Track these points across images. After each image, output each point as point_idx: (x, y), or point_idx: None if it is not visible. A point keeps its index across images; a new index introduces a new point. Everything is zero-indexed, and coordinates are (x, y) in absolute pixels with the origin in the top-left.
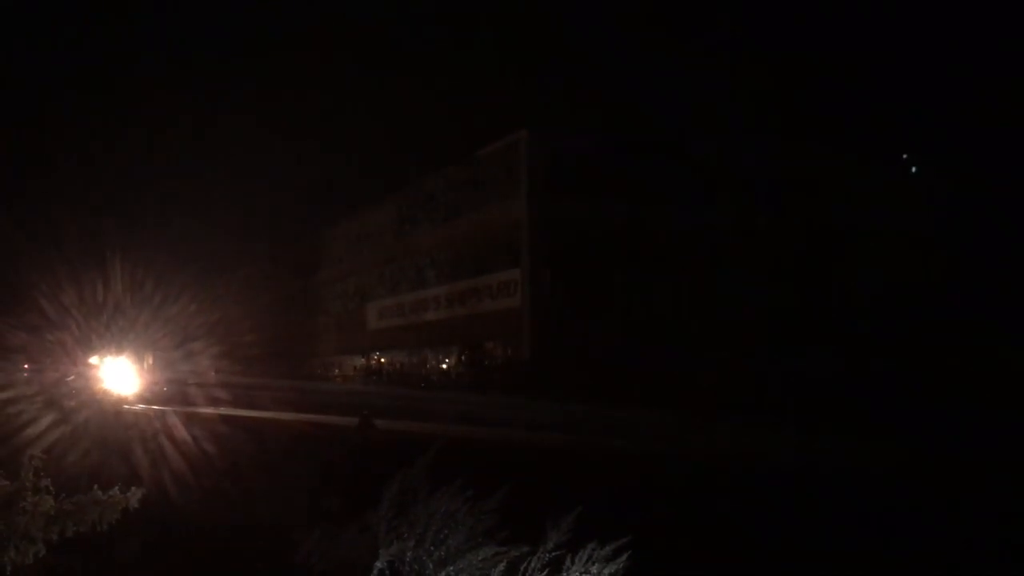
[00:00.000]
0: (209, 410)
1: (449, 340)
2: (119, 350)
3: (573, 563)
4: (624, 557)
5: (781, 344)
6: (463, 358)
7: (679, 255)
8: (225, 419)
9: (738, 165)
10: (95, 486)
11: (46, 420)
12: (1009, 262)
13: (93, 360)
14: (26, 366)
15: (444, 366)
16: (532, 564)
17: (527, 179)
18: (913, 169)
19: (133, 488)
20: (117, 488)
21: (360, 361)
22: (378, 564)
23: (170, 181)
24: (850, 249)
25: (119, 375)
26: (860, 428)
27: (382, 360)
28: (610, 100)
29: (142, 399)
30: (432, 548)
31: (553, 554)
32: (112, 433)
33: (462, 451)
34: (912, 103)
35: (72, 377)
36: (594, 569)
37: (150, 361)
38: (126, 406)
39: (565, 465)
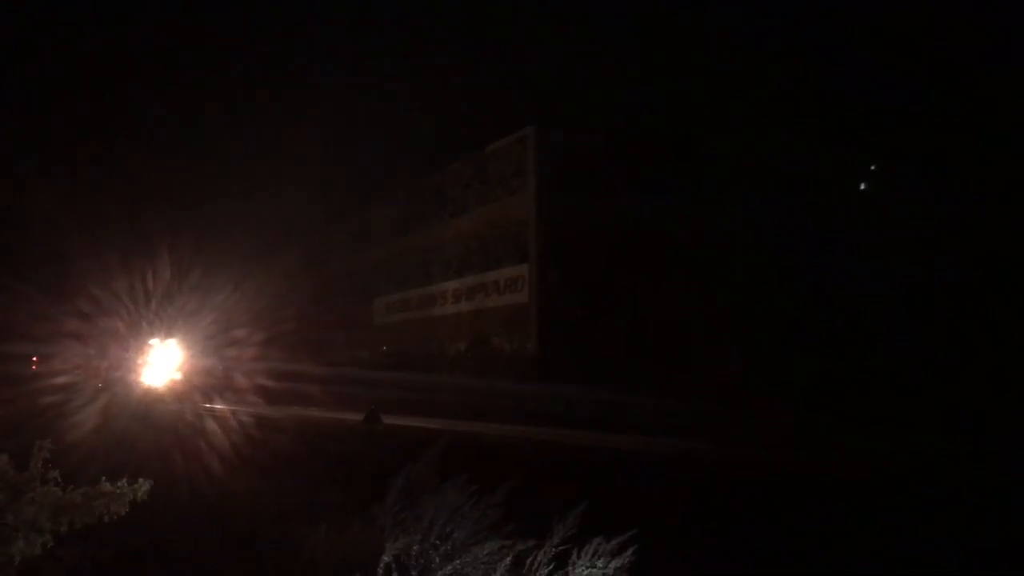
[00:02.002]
0: (235, 407)
1: (456, 335)
2: (162, 338)
3: (579, 557)
4: (630, 551)
5: (789, 340)
6: (469, 353)
7: (688, 252)
8: (244, 415)
9: (747, 162)
10: (103, 478)
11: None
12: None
13: (131, 351)
14: (35, 359)
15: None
16: (538, 558)
17: (535, 175)
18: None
19: (140, 480)
20: (125, 480)
21: (365, 355)
22: (384, 558)
23: (185, 177)
24: (858, 247)
25: (159, 365)
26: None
27: (388, 355)
28: (619, 97)
29: (176, 392)
30: (438, 542)
31: (559, 548)
32: (137, 426)
33: (468, 445)
34: (919, 100)
35: (97, 367)
36: (600, 563)
37: (190, 350)
38: (159, 399)
39: (566, 458)
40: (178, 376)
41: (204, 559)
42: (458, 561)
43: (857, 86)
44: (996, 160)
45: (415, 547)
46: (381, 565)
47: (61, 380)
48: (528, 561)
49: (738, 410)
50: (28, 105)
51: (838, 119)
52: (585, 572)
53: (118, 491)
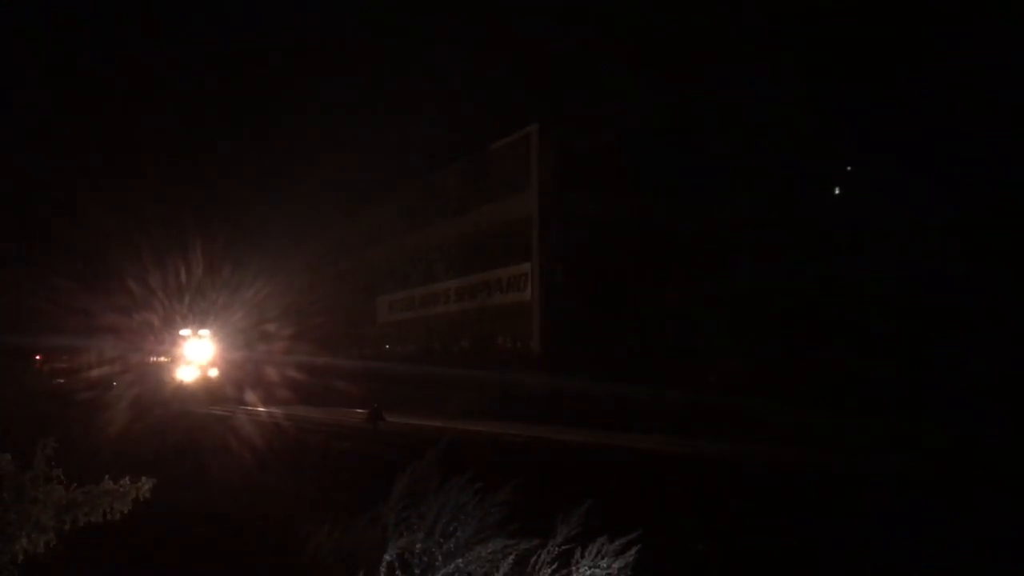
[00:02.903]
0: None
1: (459, 334)
2: (195, 330)
3: (583, 557)
4: (634, 551)
5: (795, 337)
6: (471, 351)
7: (691, 250)
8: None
9: (750, 160)
10: (107, 475)
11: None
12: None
13: (164, 344)
14: (38, 357)
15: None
16: (542, 557)
17: (538, 173)
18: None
19: (144, 478)
20: (128, 478)
21: (368, 352)
22: (387, 556)
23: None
24: (863, 243)
25: (192, 359)
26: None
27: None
28: (622, 95)
29: (210, 389)
30: (441, 540)
31: (562, 548)
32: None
33: (472, 442)
34: (918, 96)
35: (117, 361)
36: (603, 563)
37: (222, 343)
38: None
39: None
40: (214, 373)
41: (209, 556)
42: (461, 559)
43: (858, 84)
44: (992, 156)
45: (418, 545)
46: (384, 563)
47: (66, 378)
48: (532, 560)
49: (744, 407)
50: (69, 108)
51: (840, 116)
52: (588, 572)
53: (121, 489)
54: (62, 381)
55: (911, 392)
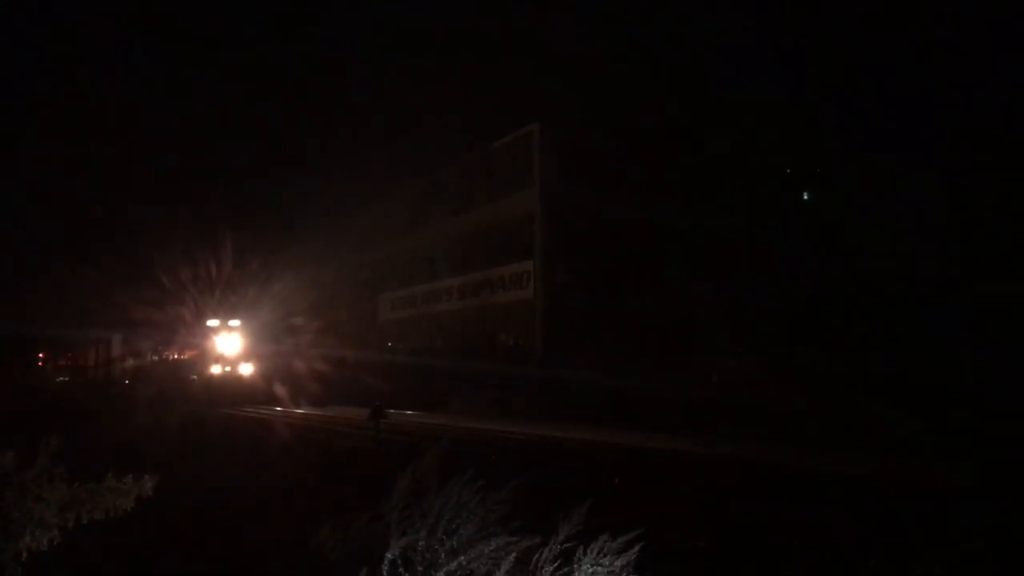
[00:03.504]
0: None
1: (461, 331)
2: (225, 321)
3: (585, 554)
4: (636, 549)
5: (797, 335)
6: (473, 349)
7: (692, 247)
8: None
9: (751, 158)
10: (109, 473)
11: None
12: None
13: (196, 337)
14: (40, 355)
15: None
16: (544, 555)
17: (539, 171)
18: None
19: (147, 476)
20: (131, 476)
21: (370, 351)
22: (389, 554)
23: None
24: (863, 244)
25: (224, 353)
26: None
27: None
28: (623, 93)
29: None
30: (444, 538)
31: (564, 546)
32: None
33: (474, 440)
34: (926, 94)
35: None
36: (605, 561)
37: (251, 336)
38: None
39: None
40: (247, 369)
41: (212, 554)
42: (463, 557)
43: (858, 84)
44: (994, 155)
45: (421, 543)
46: (387, 561)
47: (71, 376)
48: (534, 558)
49: (745, 405)
50: (96, 107)
51: (841, 115)
52: (590, 570)
53: (123, 487)
54: (66, 379)
55: (911, 391)
